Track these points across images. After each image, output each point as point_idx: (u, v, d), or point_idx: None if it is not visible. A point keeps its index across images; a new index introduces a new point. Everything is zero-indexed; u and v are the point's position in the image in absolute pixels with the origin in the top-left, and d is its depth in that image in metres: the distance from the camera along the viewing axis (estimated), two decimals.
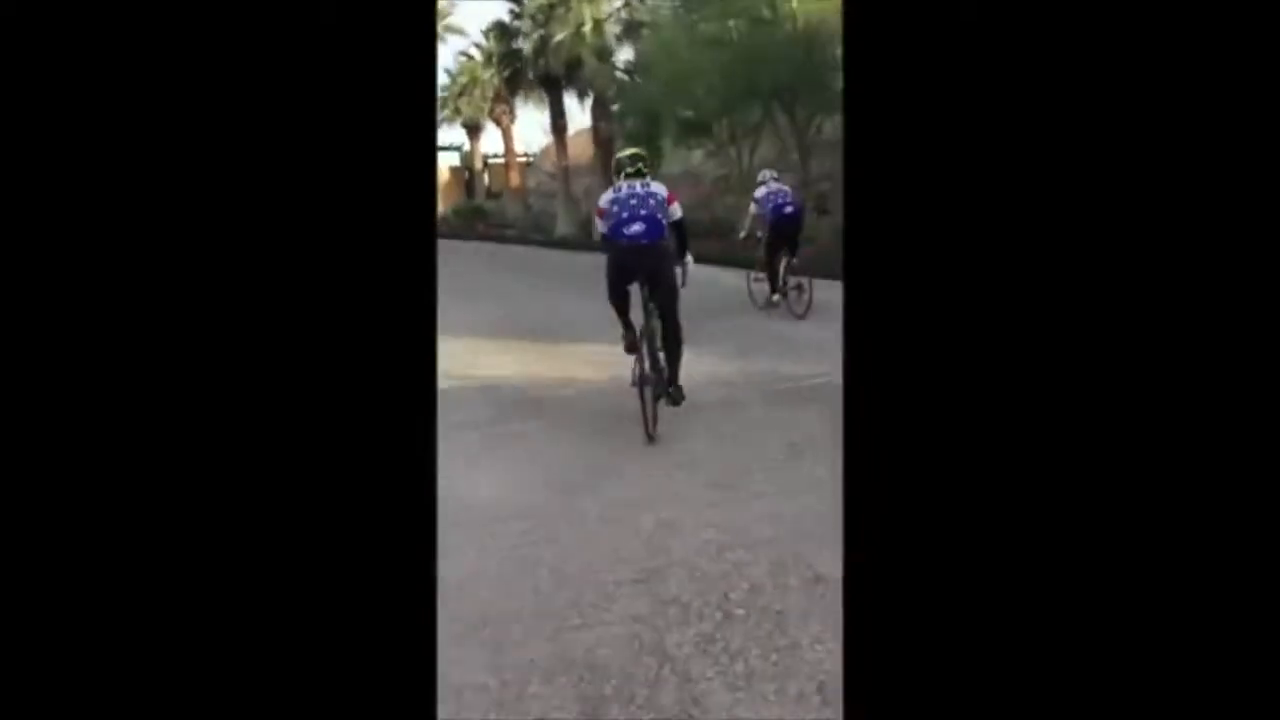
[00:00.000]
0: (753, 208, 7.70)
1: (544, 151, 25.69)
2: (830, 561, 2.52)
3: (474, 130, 26.76)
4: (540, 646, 2.27)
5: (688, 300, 4.41)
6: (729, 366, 5.58)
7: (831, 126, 12.95)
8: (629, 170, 4.33)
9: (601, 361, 5.52)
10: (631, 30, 16.47)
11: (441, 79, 26.71)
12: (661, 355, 4.23)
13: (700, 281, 5.16)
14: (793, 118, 12.97)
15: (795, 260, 7.45)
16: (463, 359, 6.20)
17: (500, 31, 20.09)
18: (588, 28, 16.04)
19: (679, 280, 4.31)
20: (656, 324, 4.20)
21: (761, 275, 7.75)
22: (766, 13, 12.46)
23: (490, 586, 2.66)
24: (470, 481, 3.63)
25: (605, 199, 4.31)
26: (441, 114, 26.55)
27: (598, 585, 2.60)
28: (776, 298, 7.51)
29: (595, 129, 16.45)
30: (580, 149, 19.76)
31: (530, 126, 50.30)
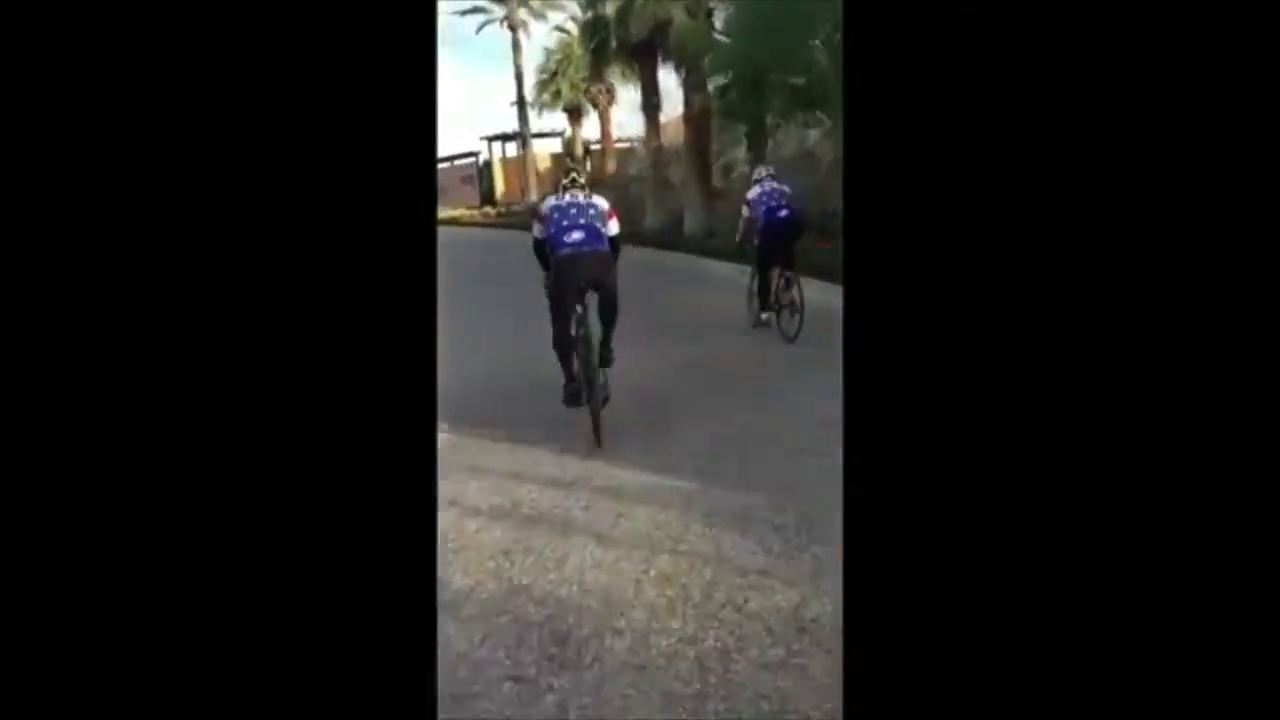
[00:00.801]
0: (744, 211, 6.77)
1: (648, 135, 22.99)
2: None
3: (576, 114, 24.50)
4: None
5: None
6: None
7: None
8: (565, 181, 4.43)
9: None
10: None
11: (540, 59, 24.68)
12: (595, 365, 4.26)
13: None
14: None
15: (791, 273, 6.38)
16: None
17: None
18: None
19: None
20: (595, 334, 4.30)
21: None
22: None
23: None
24: None
25: (547, 204, 4.39)
26: (542, 97, 24.50)
27: None
28: (767, 315, 6.56)
29: (687, 102, 13.65)
30: (679, 130, 17.05)
31: (634, 108, 47.98)
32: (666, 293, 8.87)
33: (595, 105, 20.86)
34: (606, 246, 4.22)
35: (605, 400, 4.27)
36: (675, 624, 2.43)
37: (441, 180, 24.96)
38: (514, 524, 3.26)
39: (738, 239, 7.04)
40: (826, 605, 2.47)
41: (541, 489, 3.61)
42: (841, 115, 11.69)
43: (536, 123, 24.58)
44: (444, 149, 37.60)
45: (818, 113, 12.51)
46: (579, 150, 25.08)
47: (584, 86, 21.01)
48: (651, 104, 15.16)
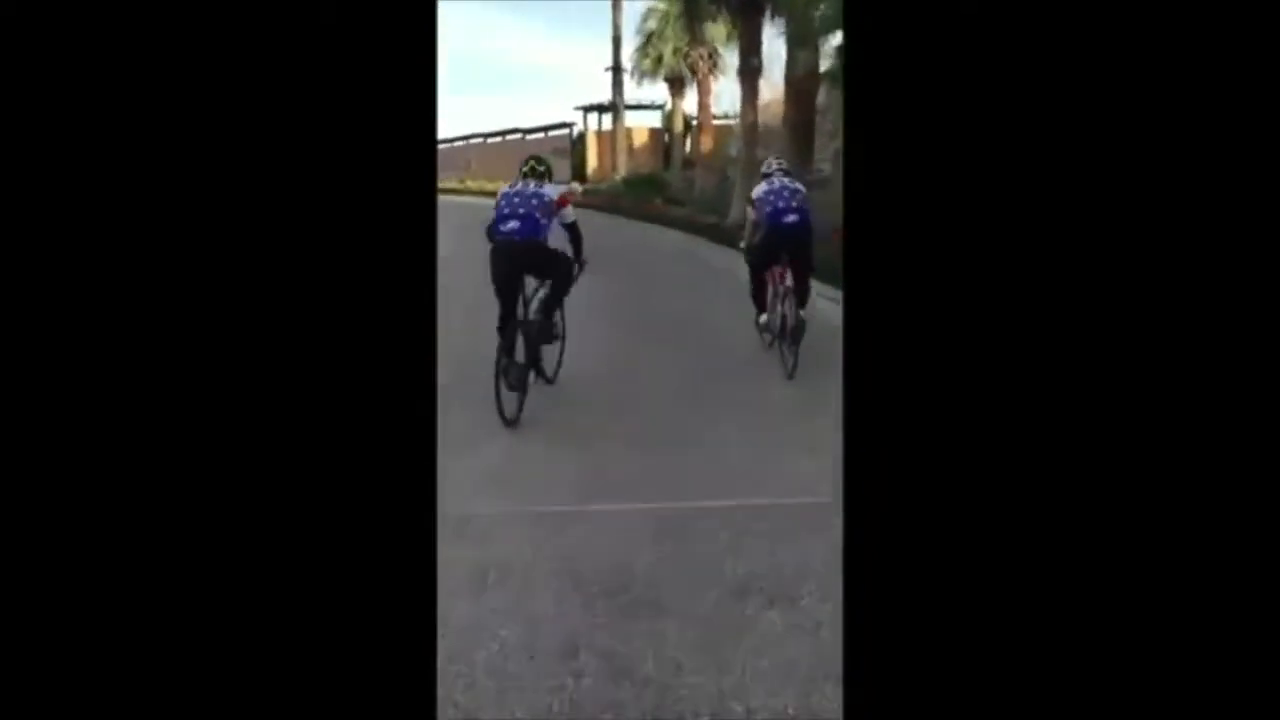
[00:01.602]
0: (749, 212, 5.66)
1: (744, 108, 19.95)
2: None
3: (678, 85, 21.82)
4: None
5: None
6: None
7: None
8: (524, 170, 4.61)
9: None
10: None
11: (638, 24, 22.11)
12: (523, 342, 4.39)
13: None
14: None
15: (791, 285, 5.14)
16: None
17: None
18: None
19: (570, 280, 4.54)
20: (534, 316, 4.52)
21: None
22: None
23: None
24: None
25: (501, 193, 4.56)
26: (642, 64, 22.02)
27: None
28: (768, 337, 5.54)
29: (789, 63, 10.95)
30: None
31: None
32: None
33: (694, 72, 18.16)
34: (542, 236, 4.40)
35: (551, 380, 4.81)
36: None
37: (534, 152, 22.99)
38: None
39: (741, 245, 6.08)
40: None
41: None
42: None
43: (636, 93, 22.10)
44: (538, 118, 35.60)
45: None
46: (678, 126, 22.50)
47: (684, 51, 18.38)
48: (750, 66, 12.48)
